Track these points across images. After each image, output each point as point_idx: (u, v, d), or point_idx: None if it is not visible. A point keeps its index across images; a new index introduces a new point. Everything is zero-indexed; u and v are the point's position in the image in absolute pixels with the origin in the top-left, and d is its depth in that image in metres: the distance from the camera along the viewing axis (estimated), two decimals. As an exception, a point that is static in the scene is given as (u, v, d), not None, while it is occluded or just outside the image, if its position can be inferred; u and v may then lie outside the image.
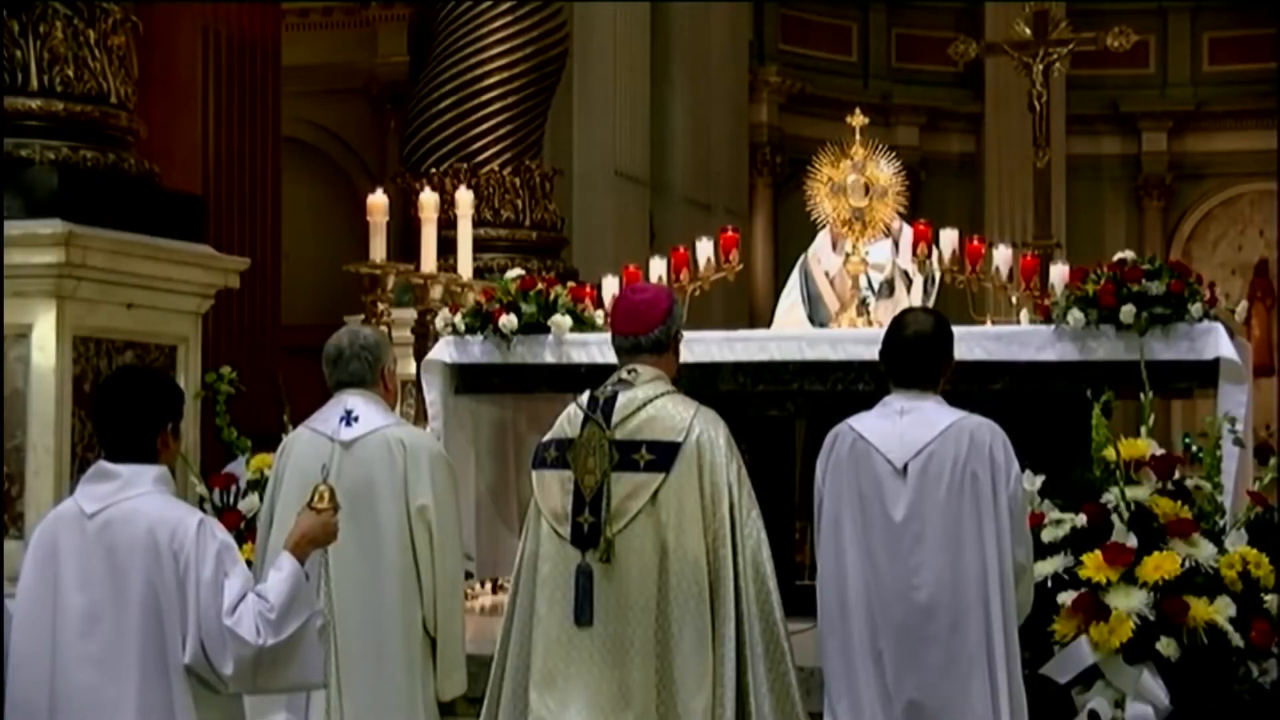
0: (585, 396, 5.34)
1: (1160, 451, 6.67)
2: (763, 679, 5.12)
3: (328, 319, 8.83)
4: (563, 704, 5.13)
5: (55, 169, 7.58)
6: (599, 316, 8.35)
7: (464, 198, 9.83)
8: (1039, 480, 6.64)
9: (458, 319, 8.32)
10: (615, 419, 5.24)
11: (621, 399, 5.27)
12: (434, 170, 12.05)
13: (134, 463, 4.41)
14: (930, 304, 8.47)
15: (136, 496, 4.36)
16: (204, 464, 8.02)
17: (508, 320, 8.15)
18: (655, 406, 5.25)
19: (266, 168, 11.34)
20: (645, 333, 5.37)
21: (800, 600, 5.92)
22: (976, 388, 7.12)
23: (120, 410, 4.47)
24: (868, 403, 5.55)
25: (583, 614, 5.14)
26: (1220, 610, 6.21)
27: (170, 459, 4.52)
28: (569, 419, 5.34)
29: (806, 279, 8.81)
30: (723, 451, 5.21)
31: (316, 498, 4.63)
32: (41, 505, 7.20)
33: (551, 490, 5.27)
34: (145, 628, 4.29)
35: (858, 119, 8.69)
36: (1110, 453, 6.57)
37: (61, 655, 4.33)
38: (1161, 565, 6.26)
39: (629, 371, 5.34)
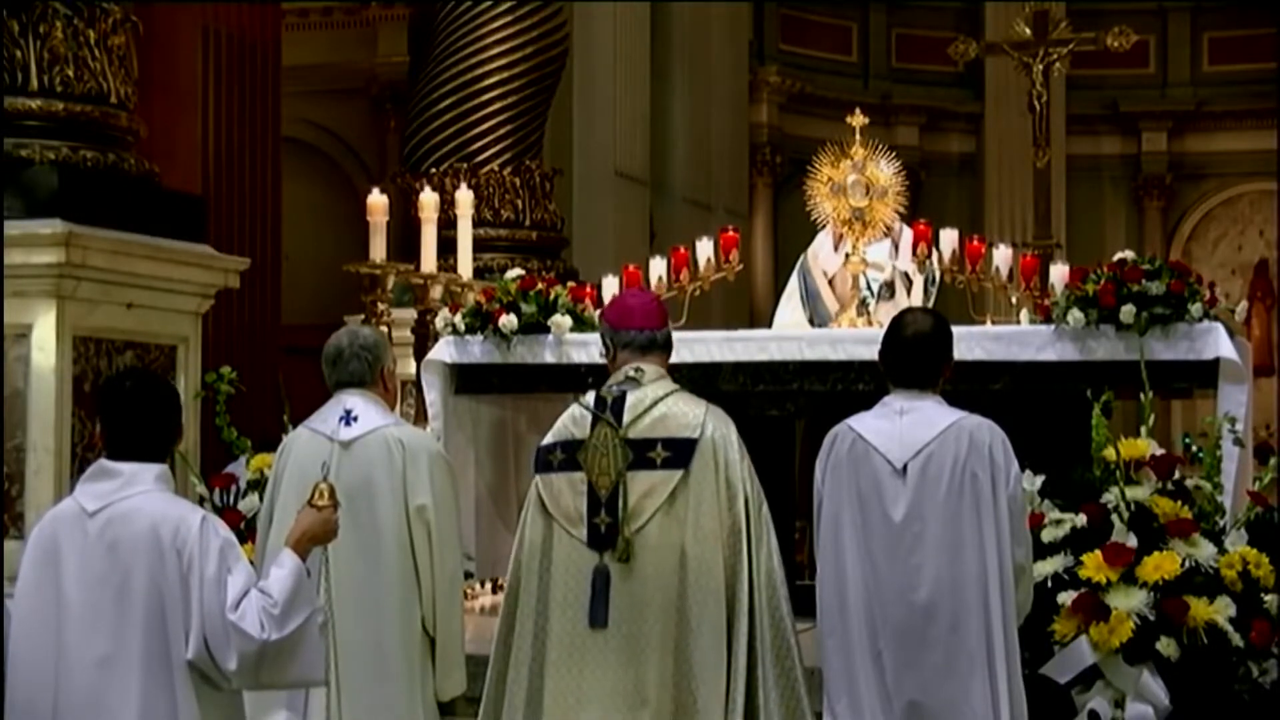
0: (590, 397, 5.31)
1: (1160, 451, 6.67)
2: (770, 674, 5.13)
3: (328, 319, 8.83)
4: (580, 704, 5.11)
5: (55, 169, 7.57)
6: (599, 316, 8.34)
7: (464, 198, 9.84)
8: (1039, 480, 6.64)
9: (458, 319, 8.31)
10: (626, 418, 5.22)
11: (631, 398, 5.25)
12: (434, 170, 12.05)
13: (137, 461, 4.41)
14: (930, 305, 8.47)
15: (138, 494, 4.37)
16: (204, 464, 8.02)
17: (508, 320, 8.15)
18: (666, 404, 5.24)
19: (266, 168, 11.34)
20: (658, 329, 5.38)
21: (800, 600, 5.91)
22: (976, 388, 7.12)
23: (142, 411, 4.48)
24: (868, 403, 5.55)
25: (598, 616, 5.11)
26: (1220, 610, 6.22)
27: (169, 458, 4.54)
28: (574, 420, 5.30)
29: (805, 279, 8.81)
30: (735, 449, 5.22)
31: (316, 495, 4.65)
32: (41, 505, 7.19)
33: (562, 493, 5.23)
34: (148, 626, 4.30)
35: (858, 119, 8.68)
36: (1110, 453, 6.57)
37: (64, 654, 4.33)
38: (1161, 565, 6.26)
39: (635, 370, 5.31)
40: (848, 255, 8.51)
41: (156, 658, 4.29)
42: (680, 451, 5.18)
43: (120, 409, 4.50)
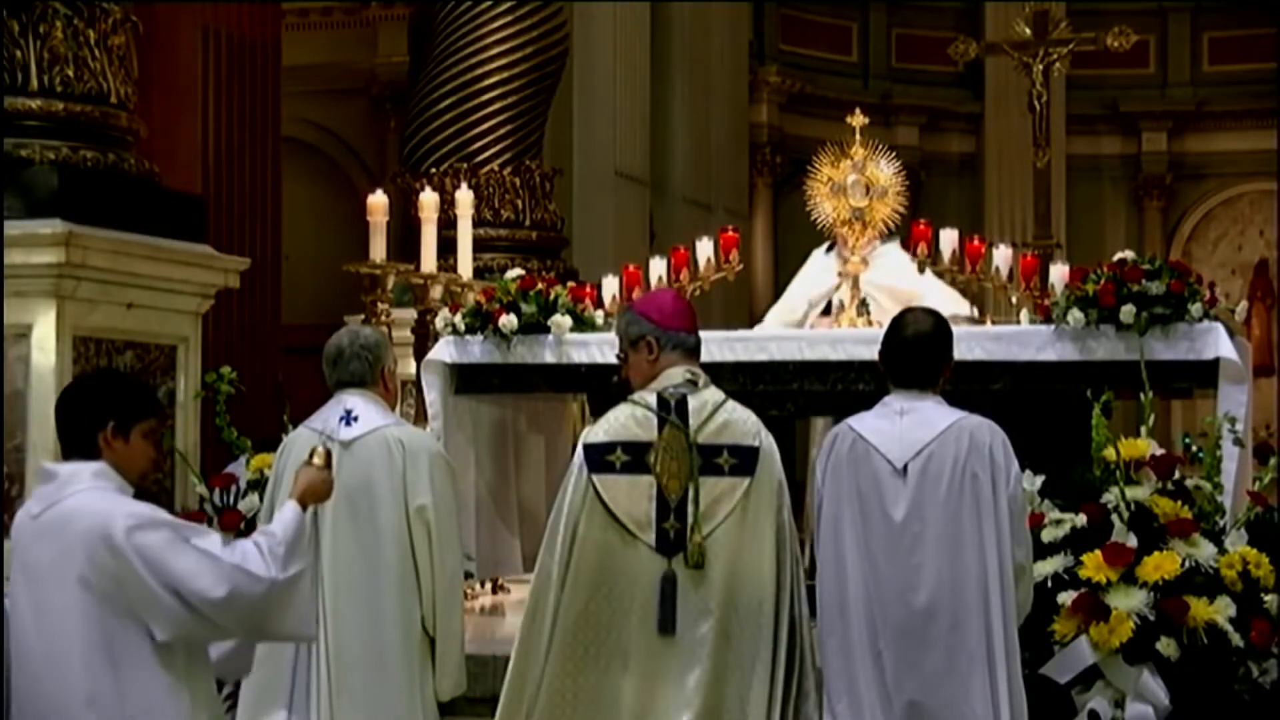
0: (651, 398, 5.21)
1: (1160, 451, 6.67)
2: (791, 675, 5.17)
3: (328, 319, 8.83)
4: (646, 709, 5.07)
5: (55, 169, 7.57)
6: (599, 316, 8.35)
7: (464, 198, 9.84)
8: (1039, 480, 6.64)
9: (458, 319, 8.31)
10: (692, 422, 5.17)
11: (693, 402, 5.20)
12: (434, 170, 12.05)
13: (75, 460, 4.43)
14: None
15: (74, 494, 4.37)
16: (204, 464, 8.02)
17: (508, 320, 8.15)
18: (726, 411, 5.22)
19: (266, 168, 11.33)
20: (698, 332, 5.37)
21: (800, 600, 5.93)
22: (976, 388, 7.12)
23: (60, 411, 4.54)
24: (868, 403, 5.55)
25: (668, 622, 5.05)
26: (1220, 610, 6.22)
27: (122, 459, 4.47)
28: (637, 421, 5.18)
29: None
30: (779, 458, 5.24)
31: (314, 456, 4.69)
32: (41, 505, 7.19)
33: (628, 496, 5.13)
34: (88, 622, 4.29)
35: (858, 119, 8.68)
36: (1110, 453, 6.57)
37: (18, 654, 4.36)
38: (1161, 565, 6.26)
39: (690, 373, 5.27)
40: (847, 259, 8.51)
41: (100, 654, 4.28)
42: (745, 459, 5.16)
43: (56, 412, 4.56)
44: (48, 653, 4.32)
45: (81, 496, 4.36)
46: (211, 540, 4.37)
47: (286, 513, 4.50)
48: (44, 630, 4.32)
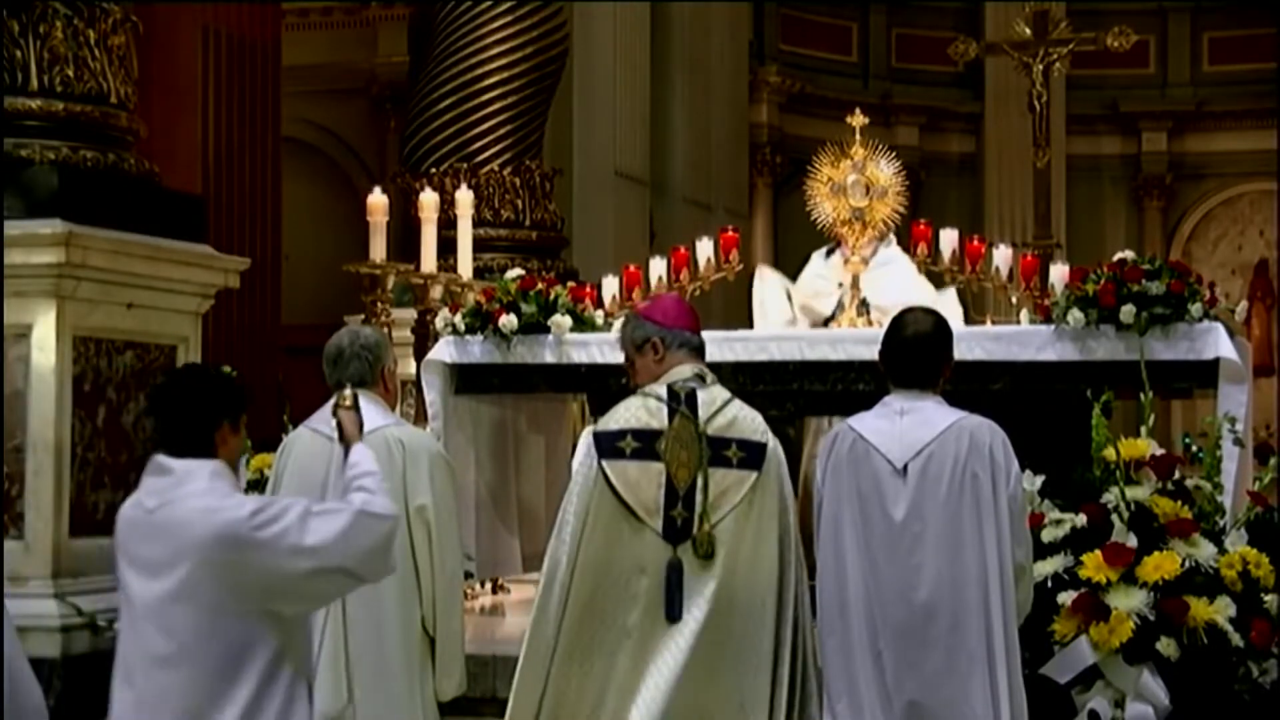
0: (661, 389, 5.27)
1: (1160, 451, 6.67)
2: (793, 674, 5.20)
3: (328, 319, 8.84)
4: (646, 696, 5.09)
5: (55, 169, 7.56)
6: (599, 316, 8.35)
7: (464, 198, 9.84)
8: (1039, 480, 6.64)
9: (458, 319, 8.31)
10: (702, 414, 5.23)
11: (702, 396, 5.26)
12: (434, 170, 12.05)
13: (189, 458, 4.43)
14: None
15: (192, 494, 4.37)
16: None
17: (508, 320, 8.15)
18: (734, 407, 5.29)
19: (266, 168, 11.35)
20: (700, 333, 5.40)
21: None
22: (976, 388, 7.12)
23: (176, 407, 4.50)
24: (868, 403, 5.55)
25: (674, 609, 5.09)
26: (1220, 610, 6.22)
27: (231, 454, 4.51)
28: (648, 410, 5.24)
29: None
30: (785, 461, 5.29)
31: (342, 400, 4.89)
32: (41, 505, 7.19)
33: (638, 482, 5.18)
34: (208, 616, 4.28)
35: (858, 119, 8.69)
36: (1110, 453, 6.57)
37: (133, 652, 4.36)
38: (1161, 565, 6.26)
39: (698, 369, 5.34)
40: (847, 259, 8.51)
41: (222, 645, 4.29)
42: (753, 454, 5.22)
43: (165, 405, 4.53)
44: (170, 650, 4.30)
45: (201, 499, 4.35)
46: (324, 504, 4.45)
47: (363, 455, 4.61)
48: (166, 628, 4.31)
